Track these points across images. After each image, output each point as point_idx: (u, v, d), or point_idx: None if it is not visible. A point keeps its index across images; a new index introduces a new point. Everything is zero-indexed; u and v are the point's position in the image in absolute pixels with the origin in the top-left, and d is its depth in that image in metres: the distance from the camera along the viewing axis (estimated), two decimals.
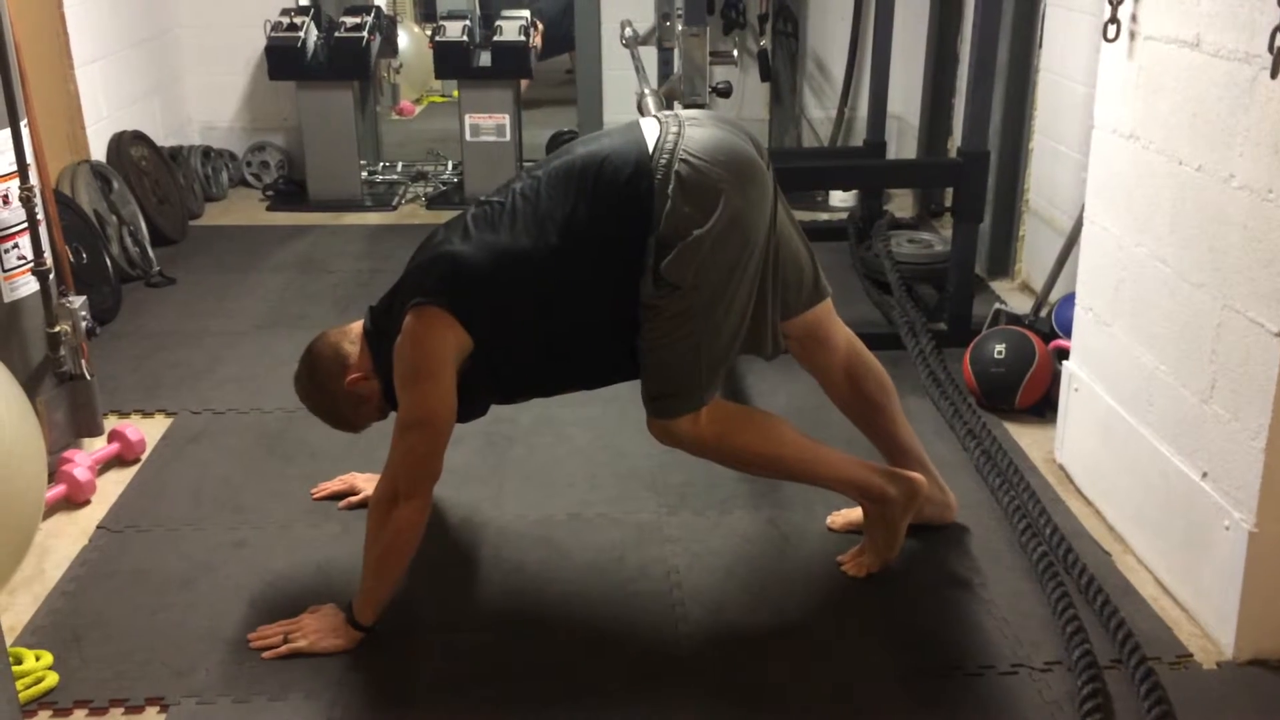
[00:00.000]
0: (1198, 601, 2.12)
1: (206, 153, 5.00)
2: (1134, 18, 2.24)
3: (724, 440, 2.10)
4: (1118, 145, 2.34)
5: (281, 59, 4.68)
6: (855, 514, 2.41)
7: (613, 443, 2.82)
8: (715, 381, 2.06)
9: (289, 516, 2.49)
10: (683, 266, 1.94)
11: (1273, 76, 1.78)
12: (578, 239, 1.98)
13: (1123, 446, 2.36)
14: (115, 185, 4.07)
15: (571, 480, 2.65)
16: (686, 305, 1.97)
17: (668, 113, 2.09)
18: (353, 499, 2.51)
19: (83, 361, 2.73)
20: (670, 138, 1.99)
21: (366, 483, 2.50)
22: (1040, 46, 3.66)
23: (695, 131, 2.00)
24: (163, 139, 4.74)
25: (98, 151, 4.21)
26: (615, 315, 2.02)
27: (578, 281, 2.00)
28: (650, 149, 1.98)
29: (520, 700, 1.94)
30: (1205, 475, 2.07)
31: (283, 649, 2.03)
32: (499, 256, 1.99)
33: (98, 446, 2.74)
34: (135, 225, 4.05)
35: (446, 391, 1.99)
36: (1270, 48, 1.76)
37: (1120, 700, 1.90)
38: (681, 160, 1.95)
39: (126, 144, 4.33)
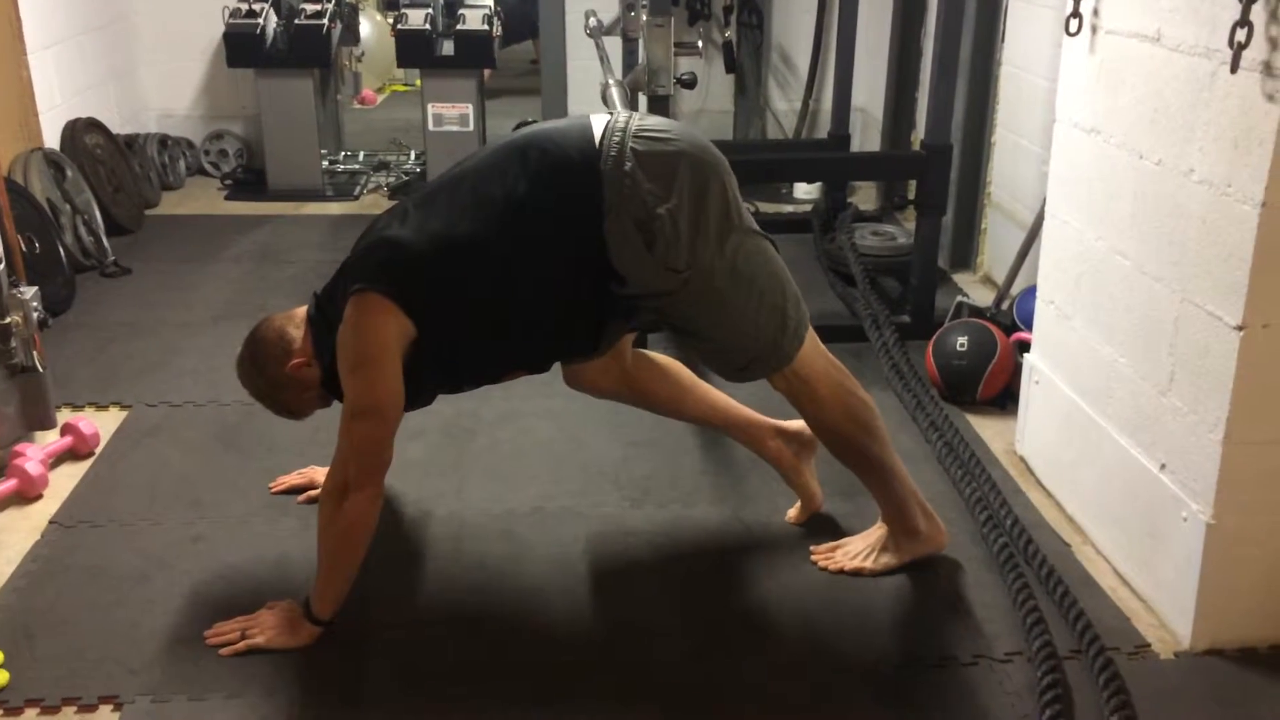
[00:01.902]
0: (1156, 592, 2.14)
1: (163, 141, 4.93)
2: (1095, 12, 2.25)
3: (840, 416, 2.13)
4: (1079, 139, 2.36)
5: (240, 46, 4.61)
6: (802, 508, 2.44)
7: (576, 436, 2.80)
8: (790, 334, 2.05)
9: (247, 511, 2.46)
10: (671, 251, 1.92)
11: (1232, 71, 1.80)
12: (519, 221, 1.96)
13: (1083, 438, 2.38)
14: (69, 173, 4.00)
15: (535, 474, 2.63)
16: (704, 287, 1.96)
17: (619, 110, 2.09)
18: (312, 493, 2.47)
19: (35, 353, 2.68)
20: (622, 120, 1.98)
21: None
22: (1003, 40, 3.67)
23: (649, 118, 2.02)
24: (118, 127, 4.66)
25: (51, 139, 4.13)
26: (562, 297, 2.01)
27: (520, 264, 1.97)
28: (599, 133, 1.97)
29: (483, 696, 1.92)
30: (1163, 467, 2.09)
31: (240, 645, 2.00)
32: (439, 240, 1.96)
33: (50, 440, 2.69)
34: (90, 214, 3.98)
35: (392, 378, 1.96)
36: (1230, 43, 1.78)
37: (1079, 690, 1.92)
38: (636, 137, 1.94)
39: (81, 131, 4.25)
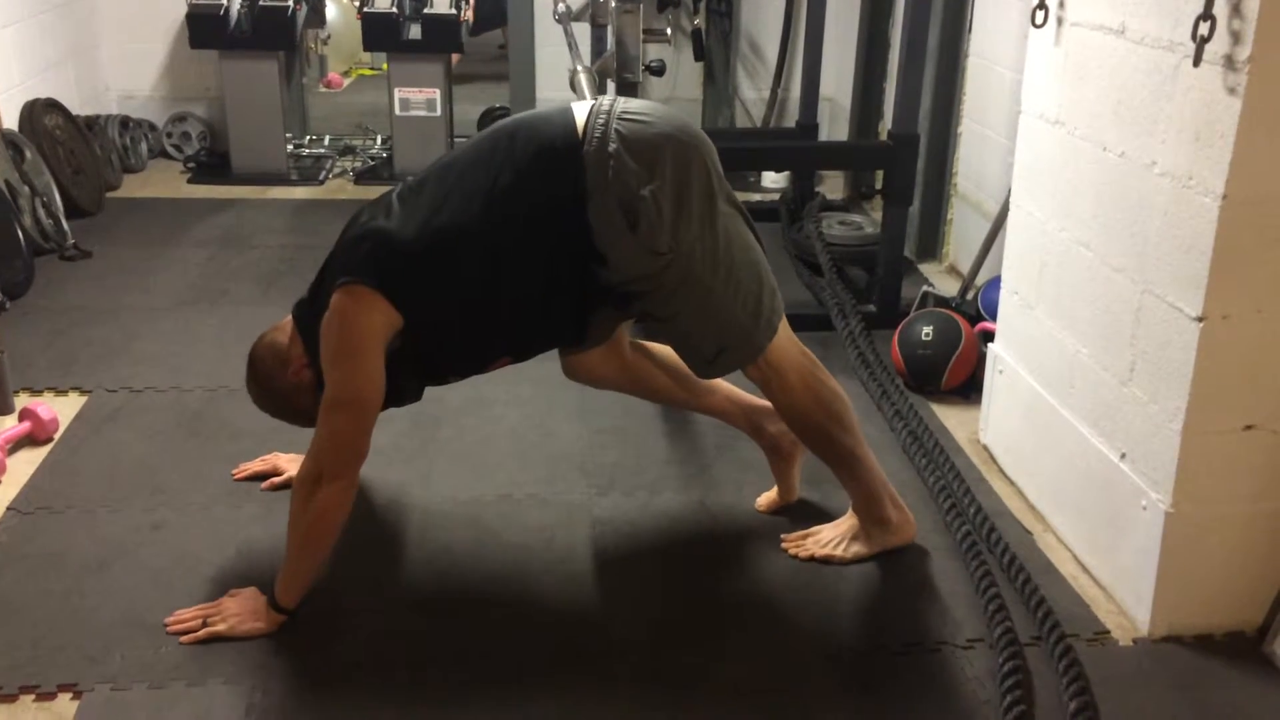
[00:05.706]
0: (1115, 580, 2.17)
1: (125, 122, 4.86)
2: (1061, 4, 2.26)
3: (810, 405, 2.14)
4: (1044, 131, 2.37)
5: (203, 27, 4.56)
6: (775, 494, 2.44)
7: (543, 423, 2.80)
8: (763, 324, 2.05)
9: (209, 498, 2.44)
10: (655, 232, 1.92)
11: (1195, 65, 1.81)
12: (504, 209, 1.95)
13: (1045, 428, 2.41)
14: (28, 155, 3.93)
15: (501, 461, 2.62)
16: (684, 272, 1.96)
17: (603, 95, 2.09)
18: (276, 480, 2.46)
19: None
20: (606, 104, 1.99)
21: (290, 463, 2.45)
22: (970, 32, 3.69)
23: (633, 101, 2.03)
24: (78, 107, 4.58)
25: (9, 120, 4.05)
26: (547, 285, 2.01)
27: (506, 252, 1.97)
28: (583, 119, 1.97)
29: (448, 683, 1.92)
30: (1124, 456, 2.11)
31: (202, 633, 1.99)
32: (425, 231, 1.96)
33: (8, 425, 2.65)
34: (49, 196, 3.92)
35: (374, 370, 1.95)
36: (1193, 36, 1.79)
37: (1040, 676, 1.94)
38: (620, 119, 1.95)
39: (40, 112, 4.17)
